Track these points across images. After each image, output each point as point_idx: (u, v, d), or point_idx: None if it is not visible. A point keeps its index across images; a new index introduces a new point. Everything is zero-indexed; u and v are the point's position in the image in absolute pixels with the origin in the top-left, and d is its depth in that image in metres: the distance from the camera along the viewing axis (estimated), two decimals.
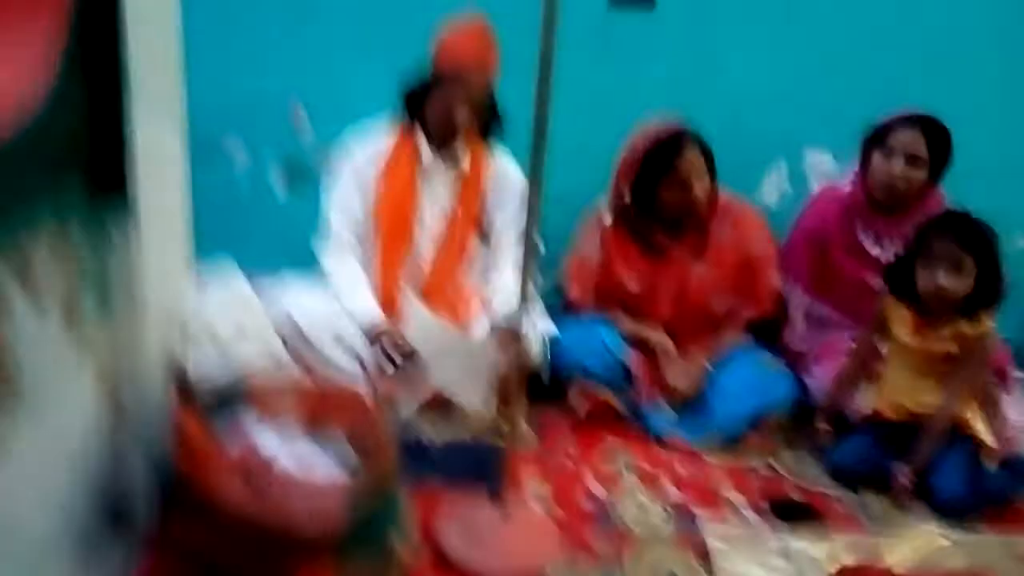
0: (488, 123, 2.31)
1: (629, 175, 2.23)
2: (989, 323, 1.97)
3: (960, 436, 1.98)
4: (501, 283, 2.29)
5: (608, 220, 2.26)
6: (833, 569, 1.65)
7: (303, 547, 1.37)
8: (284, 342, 1.73)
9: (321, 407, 1.68)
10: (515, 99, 2.28)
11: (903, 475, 1.96)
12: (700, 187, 2.20)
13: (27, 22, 1.22)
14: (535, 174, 1.50)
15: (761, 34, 2.61)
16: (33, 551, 1.23)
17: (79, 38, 1.30)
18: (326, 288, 2.28)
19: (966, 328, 1.96)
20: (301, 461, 1.44)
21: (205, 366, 1.65)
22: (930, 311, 2.00)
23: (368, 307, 2.25)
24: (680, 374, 2.20)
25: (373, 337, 2.20)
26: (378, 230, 2.32)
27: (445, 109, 2.20)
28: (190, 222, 1.81)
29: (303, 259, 2.38)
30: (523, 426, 2.05)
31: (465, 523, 1.65)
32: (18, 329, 1.16)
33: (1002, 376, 2.20)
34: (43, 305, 1.24)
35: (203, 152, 2.03)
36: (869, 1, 2.57)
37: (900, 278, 2.04)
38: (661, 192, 2.21)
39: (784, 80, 2.63)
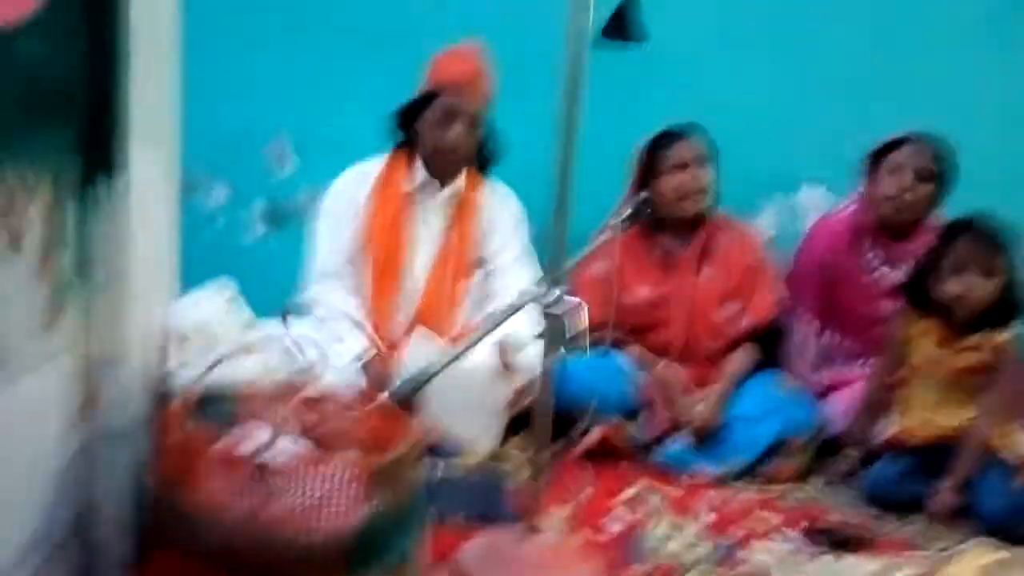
0: (483, 148, 2.24)
1: (638, 168, 2.25)
2: (1013, 333, 1.90)
3: (996, 455, 1.87)
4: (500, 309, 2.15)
5: (619, 229, 2.19)
6: None
7: (309, 560, 1.16)
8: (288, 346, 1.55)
9: (329, 416, 1.50)
10: (509, 131, 2.26)
11: (946, 495, 1.83)
12: (701, 175, 2.20)
13: None
14: (562, 191, 1.40)
15: (753, 70, 2.63)
16: None
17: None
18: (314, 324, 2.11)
19: (994, 337, 1.89)
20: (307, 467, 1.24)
21: (191, 368, 1.45)
22: (955, 321, 1.92)
23: (360, 337, 2.08)
24: (700, 406, 2.07)
25: (364, 365, 2.03)
26: (369, 257, 2.19)
27: (440, 126, 2.12)
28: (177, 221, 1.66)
29: (283, 304, 2.21)
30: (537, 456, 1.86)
31: (488, 548, 1.45)
32: None
33: None
34: (19, 243, 1.09)
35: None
36: (861, 40, 2.62)
37: (920, 290, 1.97)
38: (663, 178, 2.21)
39: (778, 116, 2.63)
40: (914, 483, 1.91)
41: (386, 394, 1.18)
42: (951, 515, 1.82)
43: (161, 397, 1.47)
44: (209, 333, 1.57)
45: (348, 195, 2.21)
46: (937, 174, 2.15)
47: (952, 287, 1.88)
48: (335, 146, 2.47)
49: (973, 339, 1.91)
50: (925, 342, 1.97)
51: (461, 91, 2.11)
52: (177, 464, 1.22)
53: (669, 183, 2.20)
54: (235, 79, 2.48)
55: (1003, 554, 1.63)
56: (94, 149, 1.30)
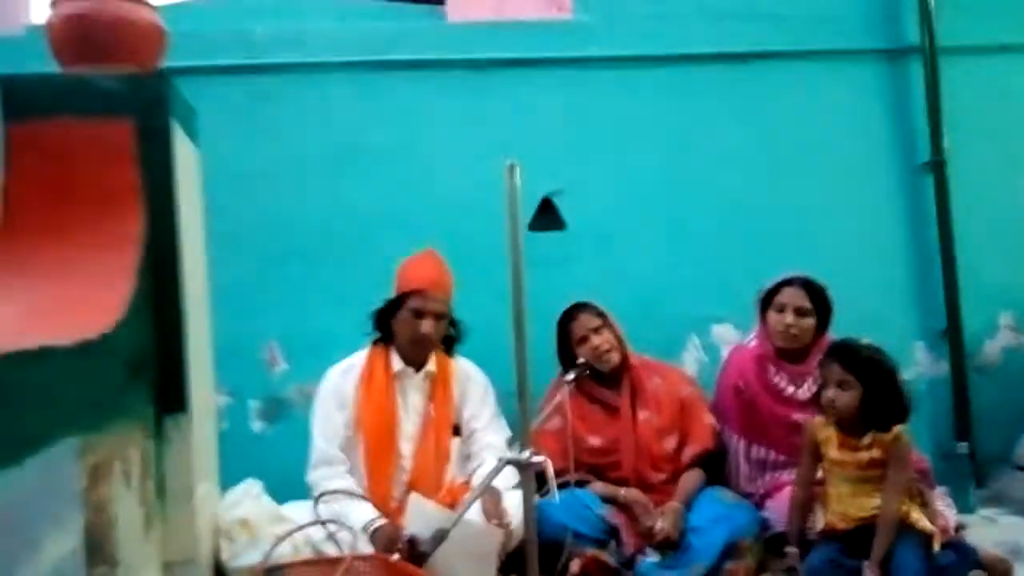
0: (449, 334, 2.67)
1: (558, 340, 2.76)
2: (899, 429, 2.34)
3: (906, 529, 2.27)
4: (482, 467, 2.53)
5: (566, 393, 2.61)
6: None
7: None
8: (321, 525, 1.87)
9: (353, 571, 1.83)
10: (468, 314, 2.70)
11: (870, 571, 2.21)
12: (600, 340, 2.67)
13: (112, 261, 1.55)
14: (520, 374, 1.83)
15: (655, 240, 3.21)
16: None
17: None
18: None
19: (881, 435, 2.33)
20: None
21: (240, 555, 1.79)
22: (846, 427, 2.36)
23: (364, 510, 2.39)
24: (663, 520, 2.44)
25: (372, 533, 2.34)
26: (363, 438, 2.54)
27: (412, 323, 2.54)
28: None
29: (287, 492, 2.49)
30: None
31: None
32: (118, 509, 1.37)
33: (924, 475, 2.53)
34: (129, 480, 1.45)
35: None
36: (744, 203, 3.25)
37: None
38: (577, 349, 2.70)
39: (682, 271, 3.20)
40: (843, 566, 2.28)
41: (413, 543, 1.50)
42: None
43: None
44: (250, 526, 1.92)
45: (337, 389, 2.59)
46: (816, 309, 2.66)
47: (823, 399, 2.35)
48: (317, 347, 2.88)
49: (865, 439, 2.35)
50: (830, 446, 2.40)
51: (426, 292, 2.54)
52: None
53: (582, 352, 2.68)
54: (226, 295, 2.91)
55: None
56: (163, 397, 1.69)
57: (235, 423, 2.93)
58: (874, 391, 2.30)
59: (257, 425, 2.95)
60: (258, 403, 2.96)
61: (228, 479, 2.37)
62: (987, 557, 2.34)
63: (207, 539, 1.80)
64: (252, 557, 1.78)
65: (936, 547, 2.23)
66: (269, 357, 2.96)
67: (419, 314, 2.54)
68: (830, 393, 2.32)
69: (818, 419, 2.44)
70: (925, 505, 2.36)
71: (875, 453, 2.33)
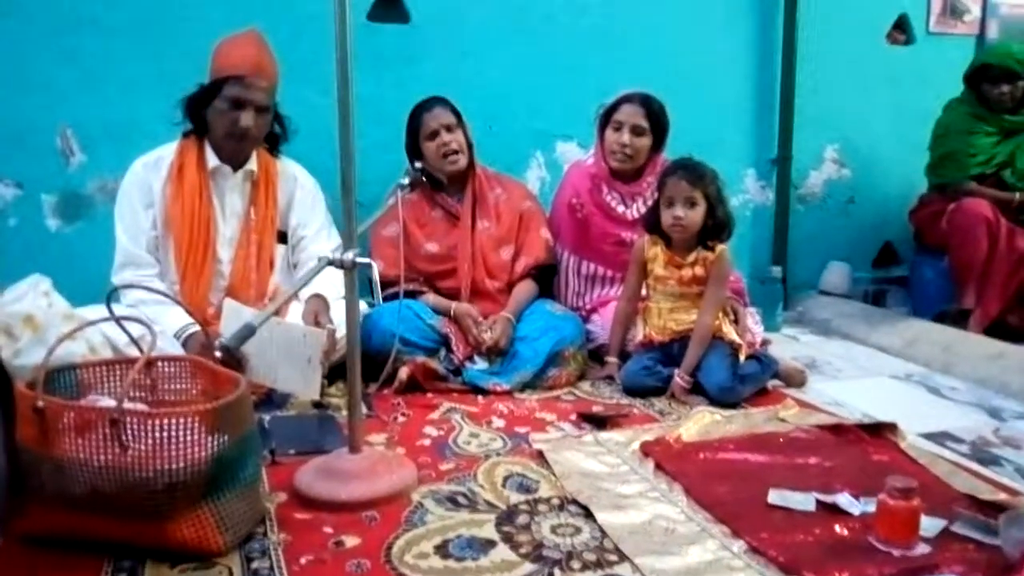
0: (272, 130, 2.42)
1: (407, 137, 2.60)
2: (722, 248, 2.42)
3: (716, 341, 2.39)
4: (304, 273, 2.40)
5: (404, 196, 2.48)
6: (636, 446, 1.94)
7: (171, 491, 1.39)
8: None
9: (163, 379, 1.70)
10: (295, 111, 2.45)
11: (680, 377, 2.34)
12: (451, 138, 2.57)
13: None
14: (346, 168, 1.65)
15: (505, 48, 3.02)
16: None
17: None
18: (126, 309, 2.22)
19: (705, 254, 2.40)
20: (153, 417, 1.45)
21: (24, 353, 1.61)
22: (676, 244, 2.42)
23: (177, 316, 2.22)
24: (493, 331, 2.46)
25: (185, 340, 2.20)
26: (174, 240, 2.32)
27: (230, 114, 2.25)
28: None
29: (90, 296, 2.24)
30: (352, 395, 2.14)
31: (319, 468, 1.73)
32: None
33: (739, 294, 2.67)
34: None
35: None
36: (592, 17, 3.11)
37: (653, 221, 2.45)
38: (424, 145, 2.57)
39: (533, 87, 3.06)
40: (659, 373, 2.40)
41: (218, 345, 1.40)
42: (685, 393, 2.33)
43: (3, 383, 1.61)
44: (35, 323, 1.73)
45: (142, 184, 2.32)
46: (652, 128, 2.63)
47: (666, 218, 2.37)
48: (120, 136, 2.58)
49: (690, 257, 2.41)
50: (657, 263, 2.46)
51: (247, 78, 2.24)
52: (38, 433, 1.40)
53: (429, 149, 2.56)
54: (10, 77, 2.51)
55: (718, 417, 2.15)
56: None
57: (26, 219, 2.62)
58: (712, 209, 2.35)
59: (53, 223, 2.65)
60: (52, 198, 2.64)
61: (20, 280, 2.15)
62: (786, 368, 2.54)
63: None
64: (38, 355, 1.60)
65: (742, 358, 2.39)
66: (63, 146, 2.61)
67: (238, 104, 2.26)
68: (679, 211, 2.33)
69: (647, 237, 2.49)
70: (736, 321, 2.50)
71: (697, 271, 2.41)
